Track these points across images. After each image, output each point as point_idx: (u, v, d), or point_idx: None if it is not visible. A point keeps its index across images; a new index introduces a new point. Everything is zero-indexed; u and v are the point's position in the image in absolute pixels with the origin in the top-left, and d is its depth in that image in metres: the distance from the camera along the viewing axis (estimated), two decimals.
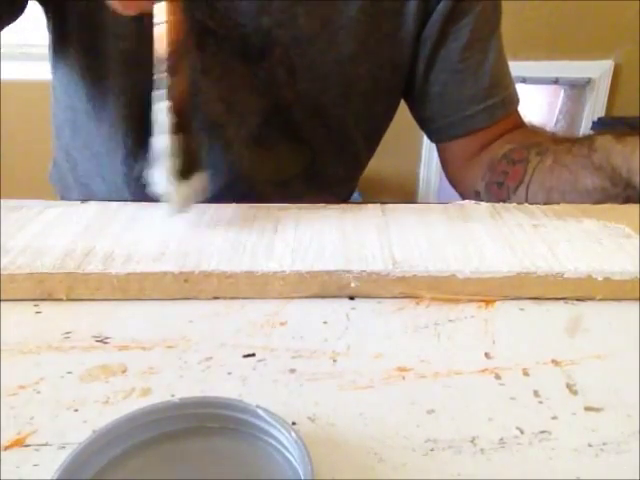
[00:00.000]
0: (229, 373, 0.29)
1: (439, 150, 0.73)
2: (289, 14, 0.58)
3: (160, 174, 0.39)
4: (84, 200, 0.46)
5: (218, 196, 0.64)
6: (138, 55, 0.57)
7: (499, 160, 0.63)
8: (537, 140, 0.62)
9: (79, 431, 0.25)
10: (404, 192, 1.87)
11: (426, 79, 0.65)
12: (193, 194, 0.40)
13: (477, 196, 0.64)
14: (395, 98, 0.69)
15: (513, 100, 0.68)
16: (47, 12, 0.60)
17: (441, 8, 0.61)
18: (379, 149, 0.77)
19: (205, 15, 0.56)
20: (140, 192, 0.64)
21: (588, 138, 0.54)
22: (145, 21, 0.56)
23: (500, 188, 0.61)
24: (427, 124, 0.70)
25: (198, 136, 0.61)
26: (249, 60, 0.59)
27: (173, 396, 0.27)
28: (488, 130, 0.66)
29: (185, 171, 0.39)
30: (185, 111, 0.40)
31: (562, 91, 1.80)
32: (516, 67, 0.69)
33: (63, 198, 0.74)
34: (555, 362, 0.30)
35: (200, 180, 0.40)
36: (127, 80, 0.59)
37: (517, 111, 0.69)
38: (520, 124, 0.68)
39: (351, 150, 0.70)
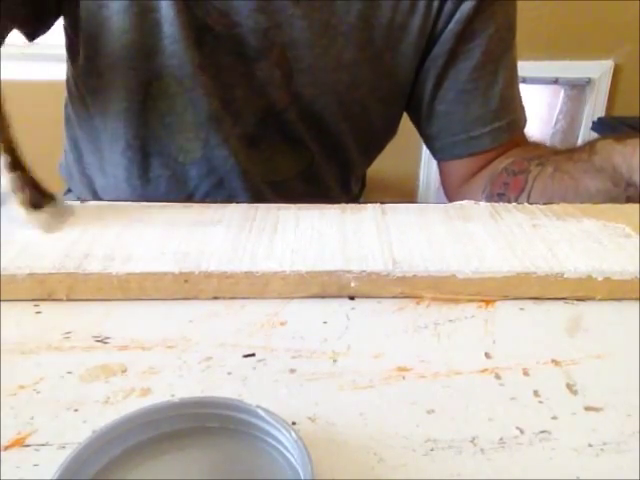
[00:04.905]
0: (229, 373, 0.29)
1: (440, 167, 0.73)
2: (286, 15, 0.58)
3: (16, 211, 0.40)
4: (84, 200, 0.46)
5: (213, 191, 0.65)
6: (139, 48, 0.58)
7: (499, 173, 0.63)
8: (537, 153, 0.62)
9: (79, 431, 0.25)
10: (404, 192, 1.86)
11: (434, 96, 0.65)
12: (55, 218, 0.41)
13: None
14: (394, 110, 0.69)
15: (519, 124, 0.67)
16: (63, 10, 0.61)
17: (452, 27, 0.61)
18: None
19: (204, 13, 0.57)
20: (139, 187, 0.65)
21: (588, 144, 0.55)
22: (148, 15, 0.57)
23: (501, 199, 0.61)
24: (431, 141, 0.70)
25: (194, 130, 0.62)
26: (246, 59, 0.59)
27: (173, 396, 0.27)
28: (490, 152, 0.66)
29: (37, 202, 0.41)
30: (16, 149, 0.42)
31: (562, 91, 1.79)
32: None
33: (70, 190, 0.75)
34: (555, 362, 0.30)
35: (57, 204, 0.42)
36: (127, 73, 0.59)
37: (522, 133, 0.68)
38: (522, 142, 0.68)
39: (344, 156, 0.70)
